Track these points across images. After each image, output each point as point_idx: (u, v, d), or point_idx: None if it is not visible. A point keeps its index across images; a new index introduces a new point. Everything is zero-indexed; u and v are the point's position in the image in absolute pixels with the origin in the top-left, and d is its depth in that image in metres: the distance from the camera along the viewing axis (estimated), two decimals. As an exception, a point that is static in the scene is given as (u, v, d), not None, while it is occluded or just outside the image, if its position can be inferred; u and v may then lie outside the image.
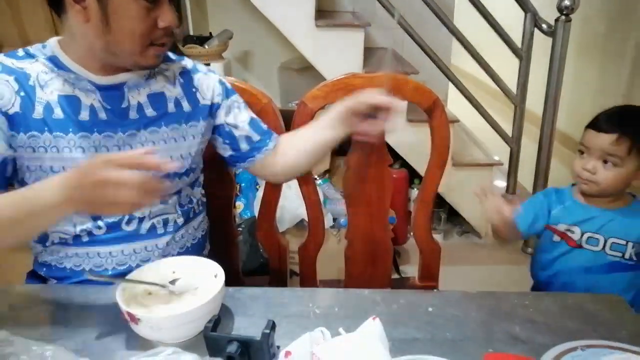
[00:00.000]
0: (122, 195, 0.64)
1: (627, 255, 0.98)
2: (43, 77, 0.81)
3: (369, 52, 2.21)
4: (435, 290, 1.04)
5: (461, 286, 0.85)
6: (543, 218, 1.03)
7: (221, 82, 0.96)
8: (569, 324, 0.73)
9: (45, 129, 0.80)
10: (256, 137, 0.97)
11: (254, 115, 0.99)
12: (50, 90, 0.81)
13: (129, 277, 0.74)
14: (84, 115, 0.82)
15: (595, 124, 0.98)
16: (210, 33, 2.37)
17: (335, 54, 1.95)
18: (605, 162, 0.95)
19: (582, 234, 1.00)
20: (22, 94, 0.79)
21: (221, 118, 0.95)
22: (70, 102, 0.81)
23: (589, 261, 0.99)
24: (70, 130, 0.81)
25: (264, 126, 0.99)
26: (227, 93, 0.96)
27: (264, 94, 1.05)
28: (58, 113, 0.80)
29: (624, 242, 0.97)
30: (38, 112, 0.80)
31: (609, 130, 0.95)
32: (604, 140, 0.95)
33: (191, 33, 2.46)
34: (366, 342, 0.60)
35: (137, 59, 0.81)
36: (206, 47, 2.22)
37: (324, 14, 2.22)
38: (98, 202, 0.65)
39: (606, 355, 0.64)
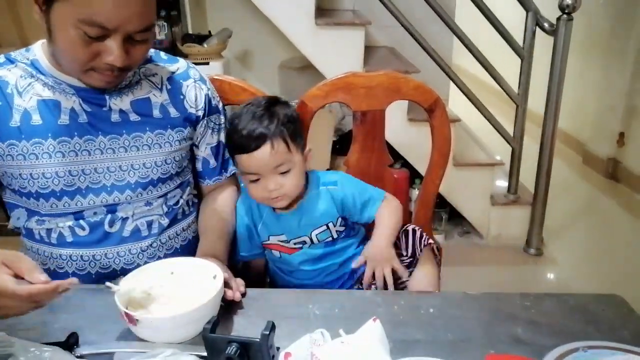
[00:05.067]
0: (6, 305, 0.60)
1: (335, 235, 0.95)
2: (21, 83, 0.80)
3: (370, 50, 2.20)
4: (436, 291, 1.03)
5: (462, 287, 0.84)
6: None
7: (208, 97, 0.94)
8: (571, 324, 0.73)
9: (23, 136, 0.79)
10: (213, 164, 0.97)
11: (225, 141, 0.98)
12: (30, 96, 0.80)
13: (127, 277, 0.73)
14: (64, 119, 0.81)
15: (242, 146, 0.86)
16: (210, 32, 2.37)
17: (336, 52, 1.94)
18: (281, 173, 0.88)
19: (290, 240, 0.95)
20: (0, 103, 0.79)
21: (196, 132, 0.94)
22: (50, 106, 0.81)
23: (307, 257, 0.96)
24: (50, 135, 0.80)
25: (228, 156, 0.98)
26: (209, 110, 0.94)
27: (263, 93, 1.05)
28: (36, 119, 0.80)
29: (324, 229, 0.94)
30: (15, 120, 0.80)
31: (257, 145, 0.85)
32: (262, 155, 0.85)
33: (190, 32, 2.46)
34: (366, 343, 0.59)
35: (80, 77, 0.79)
36: (205, 45, 2.21)
37: (324, 12, 2.22)
38: None
39: (608, 357, 0.64)
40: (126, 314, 0.66)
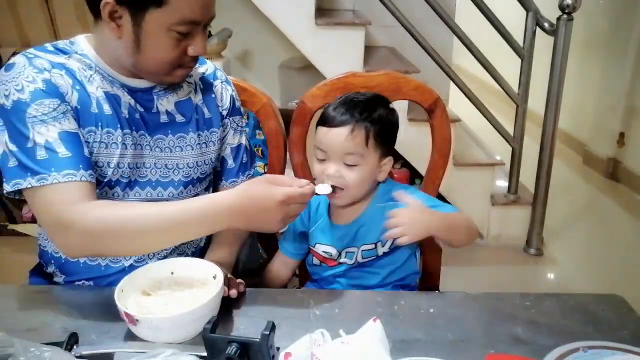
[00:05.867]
0: (296, 210, 0.72)
1: (380, 254, 0.92)
2: (85, 74, 0.81)
3: (370, 50, 2.20)
4: (436, 291, 1.03)
5: (462, 287, 0.84)
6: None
7: (232, 98, 0.96)
8: (571, 324, 0.73)
9: (99, 124, 0.80)
10: (231, 164, 0.98)
11: (245, 144, 0.99)
12: (96, 86, 0.81)
13: (127, 277, 0.73)
14: (125, 112, 0.83)
15: (325, 119, 0.87)
16: (210, 31, 2.36)
17: (336, 52, 1.94)
18: (347, 165, 0.85)
19: (338, 253, 0.93)
20: (78, 87, 0.79)
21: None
22: (114, 99, 0.82)
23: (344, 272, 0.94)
24: (118, 126, 0.81)
25: (247, 159, 0.99)
26: (232, 111, 0.96)
27: (263, 93, 1.05)
28: (107, 109, 0.81)
29: (372, 247, 0.91)
30: (93, 106, 0.80)
31: (340, 122, 0.85)
32: (339, 135, 0.84)
33: (191, 32, 2.45)
34: (367, 343, 0.59)
35: (162, 78, 0.83)
36: (206, 46, 2.21)
37: (324, 12, 2.21)
38: (285, 217, 0.71)
39: (608, 357, 0.64)
40: (126, 314, 0.66)
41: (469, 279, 1.98)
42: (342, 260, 0.94)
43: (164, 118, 0.87)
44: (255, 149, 2.31)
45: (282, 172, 1.08)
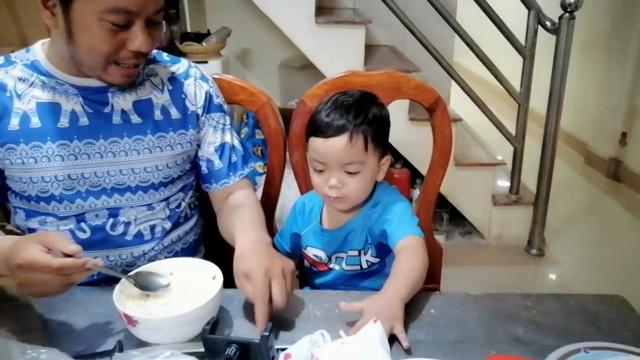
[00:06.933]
0: (39, 280, 0.63)
1: (364, 266, 0.88)
2: (20, 86, 0.80)
3: (370, 49, 2.20)
4: (437, 291, 1.02)
5: (463, 287, 0.84)
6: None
7: (208, 95, 0.92)
8: (572, 325, 0.72)
9: (21, 140, 0.79)
10: (218, 165, 0.93)
11: (232, 142, 0.94)
12: (28, 99, 0.80)
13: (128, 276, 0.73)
14: (64, 122, 0.81)
15: (318, 129, 0.81)
16: (209, 30, 2.36)
17: (336, 51, 1.94)
18: (349, 173, 0.81)
19: (330, 257, 0.91)
20: None
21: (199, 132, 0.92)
22: (49, 110, 0.80)
23: (335, 279, 0.91)
24: (49, 138, 0.80)
25: (236, 159, 0.94)
26: (209, 108, 0.92)
27: (263, 92, 1.04)
28: (35, 122, 0.80)
29: (356, 253, 0.88)
30: (13, 124, 0.79)
31: (337, 131, 0.80)
32: (337, 145, 0.80)
33: (189, 30, 2.46)
34: (367, 344, 0.59)
35: (100, 74, 0.79)
36: (204, 44, 2.21)
37: (325, 10, 2.21)
38: (24, 284, 0.65)
39: (610, 357, 0.64)
40: (125, 315, 0.65)
41: (470, 279, 1.98)
42: (331, 265, 0.92)
43: (116, 119, 0.83)
44: (255, 149, 2.31)
45: (282, 172, 1.08)
